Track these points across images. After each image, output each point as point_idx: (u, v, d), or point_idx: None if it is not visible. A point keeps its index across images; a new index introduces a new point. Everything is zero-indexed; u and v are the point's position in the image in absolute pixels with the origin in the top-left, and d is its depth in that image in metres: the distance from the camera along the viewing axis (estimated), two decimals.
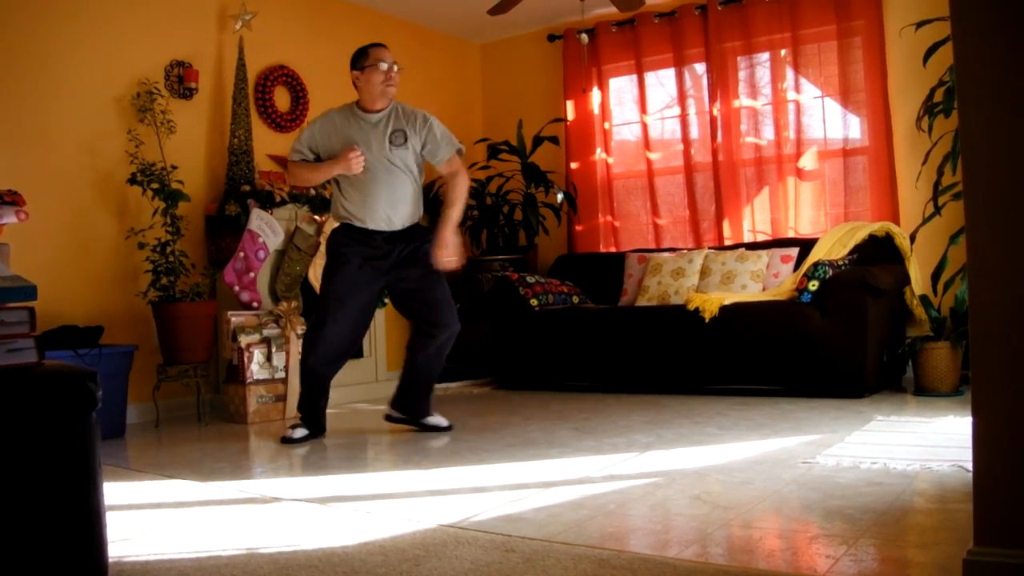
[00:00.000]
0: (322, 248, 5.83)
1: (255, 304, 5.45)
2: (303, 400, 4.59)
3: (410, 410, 4.66)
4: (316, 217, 5.88)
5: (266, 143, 6.08)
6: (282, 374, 5.27)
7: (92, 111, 5.19)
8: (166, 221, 5.14)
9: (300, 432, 4.48)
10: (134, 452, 4.39)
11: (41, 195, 4.89)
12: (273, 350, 5.25)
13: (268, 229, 5.52)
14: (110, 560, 2.19)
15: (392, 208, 4.43)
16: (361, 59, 4.50)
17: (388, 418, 4.71)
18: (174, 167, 5.25)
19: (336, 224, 4.57)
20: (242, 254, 5.43)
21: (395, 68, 4.47)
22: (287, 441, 4.43)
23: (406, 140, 4.44)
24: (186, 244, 5.41)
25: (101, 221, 5.21)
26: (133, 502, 3.26)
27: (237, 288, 5.41)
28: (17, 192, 2.44)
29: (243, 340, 5.17)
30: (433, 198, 7.32)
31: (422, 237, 4.52)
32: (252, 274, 5.47)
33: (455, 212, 4.45)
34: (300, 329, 5.39)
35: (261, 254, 5.50)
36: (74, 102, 5.11)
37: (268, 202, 5.58)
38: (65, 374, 2.07)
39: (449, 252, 4.40)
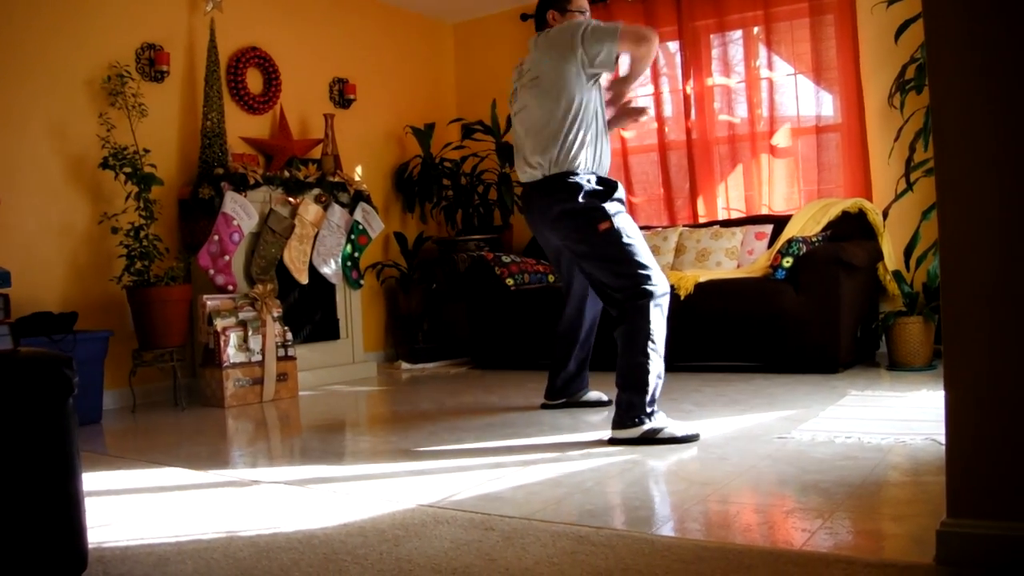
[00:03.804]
0: (298, 231, 5.83)
1: (230, 287, 5.43)
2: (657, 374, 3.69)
3: (569, 389, 4.44)
4: (290, 199, 5.86)
5: (239, 125, 6.04)
6: (259, 357, 5.25)
7: (63, 95, 5.13)
8: (139, 205, 5.10)
9: (684, 428, 3.62)
10: (111, 438, 4.38)
11: (12, 180, 4.85)
12: (249, 333, 5.23)
13: (242, 212, 5.49)
14: (90, 546, 2.19)
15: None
16: (564, 1, 4.05)
17: (545, 406, 4.50)
18: (146, 151, 5.20)
19: (584, 175, 3.83)
20: (216, 237, 5.40)
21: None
22: (670, 441, 3.55)
23: None
24: (160, 228, 5.37)
25: (73, 206, 5.17)
26: (111, 488, 3.25)
27: (212, 271, 5.39)
28: None
29: (219, 324, 5.15)
30: (408, 179, 7.32)
31: None
32: (227, 257, 5.44)
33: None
34: (276, 312, 5.38)
35: (236, 237, 5.47)
36: (44, 86, 5.05)
37: (242, 185, 5.55)
38: (41, 360, 2.06)
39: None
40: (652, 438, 3.52)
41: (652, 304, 3.66)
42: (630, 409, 3.58)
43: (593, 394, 4.50)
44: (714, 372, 5.40)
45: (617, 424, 3.60)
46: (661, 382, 3.67)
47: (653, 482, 2.94)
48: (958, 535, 1.95)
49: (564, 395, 4.47)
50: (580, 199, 3.78)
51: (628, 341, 3.67)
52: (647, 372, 3.61)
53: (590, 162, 3.85)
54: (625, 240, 3.71)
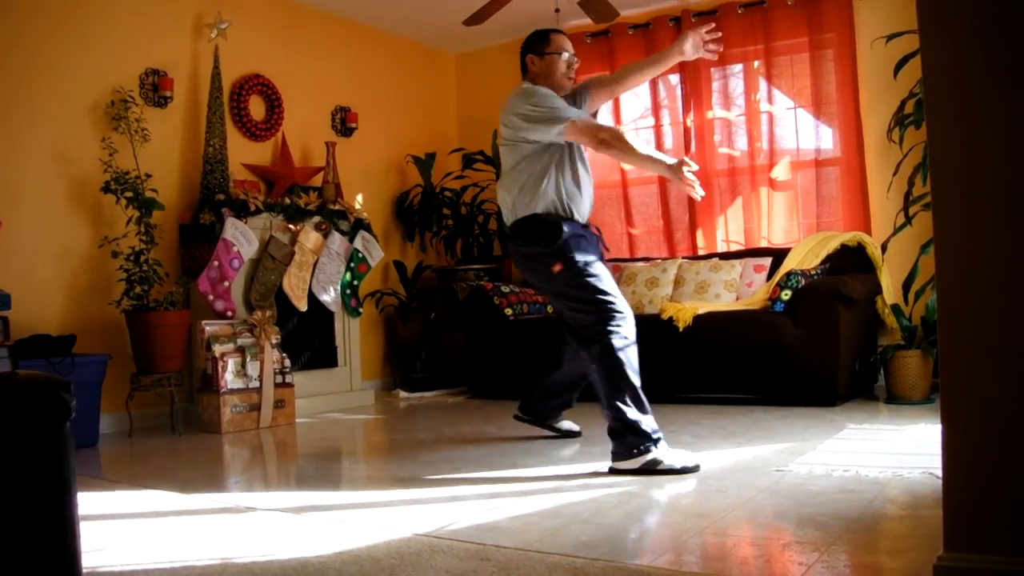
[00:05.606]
0: (298, 258, 5.84)
1: (229, 313, 5.43)
2: (641, 411, 3.64)
3: (539, 413, 4.46)
4: (291, 226, 5.87)
5: (241, 152, 6.07)
6: (256, 383, 5.25)
7: (66, 119, 5.16)
8: (140, 230, 5.12)
9: (683, 459, 3.59)
10: (107, 462, 4.36)
11: (14, 203, 4.86)
12: (247, 359, 5.23)
13: (242, 238, 5.51)
14: (84, 570, 2.17)
15: (591, 201, 4.02)
16: (542, 44, 4.05)
17: (517, 418, 4.54)
18: (148, 175, 5.22)
19: (542, 213, 3.83)
20: (216, 263, 5.41)
21: (576, 60, 4.08)
22: (672, 472, 3.53)
23: None
24: (160, 253, 5.38)
25: (74, 230, 5.18)
26: (107, 512, 3.24)
27: (211, 297, 5.39)
28: None
29: (217, 349, 5.15)
30: (408, 208, 7.34)
31: None
32: (226, 283, 5.45)
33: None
34: (275, 338, 5.37)
35: (235, 263, 5.48)
36: (48, 110, 5.08)
37: (242, 211, 5.56)
38: (39, 384, 2.05)
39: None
40: (652, 469, 3.51)
41: (617, 338, 3.65)
42: (625, 440, 3.57)
43: (566, 423, 4.50)
44: (712, 404, 5.39)
45: (616, 455, 3.60)
46: (645, 413, 3.61)
47: (650, 514, 2.93)
48: (955, 570, 1.94)
49: (536, 414, 4.48)
50: (536, 243, 3.81)
51: (601, 382, 3.67)
52: (624, 413, 3.58)
53: (551, 207, 3.83)
54: (584, 277, 3.73)
